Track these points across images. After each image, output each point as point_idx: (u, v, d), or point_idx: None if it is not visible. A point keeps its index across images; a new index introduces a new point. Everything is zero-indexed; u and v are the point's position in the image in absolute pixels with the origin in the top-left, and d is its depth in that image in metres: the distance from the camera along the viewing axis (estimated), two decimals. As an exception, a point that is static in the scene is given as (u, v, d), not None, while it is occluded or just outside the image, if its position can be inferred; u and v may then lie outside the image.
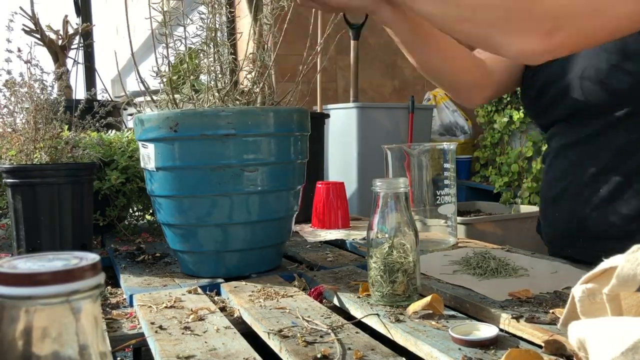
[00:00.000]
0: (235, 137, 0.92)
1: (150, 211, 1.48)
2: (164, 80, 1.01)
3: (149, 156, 0.97)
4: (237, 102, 1.04)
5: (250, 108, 0.96)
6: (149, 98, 1.03)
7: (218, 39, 1.02)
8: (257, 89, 1.05)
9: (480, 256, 0.95)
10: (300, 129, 1.01)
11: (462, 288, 0.84)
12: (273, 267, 1.03)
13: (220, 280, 0.96)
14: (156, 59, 1.01)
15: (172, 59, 1.02)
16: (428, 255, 1.07)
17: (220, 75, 1.03)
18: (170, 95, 1.01)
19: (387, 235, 0.79)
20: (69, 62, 1.86)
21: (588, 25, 0.81)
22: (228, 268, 0.98)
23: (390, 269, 0.78)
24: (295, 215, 1.06)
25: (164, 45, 1.00)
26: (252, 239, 0.98)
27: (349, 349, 0.63)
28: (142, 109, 1.04)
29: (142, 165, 1.01)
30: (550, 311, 0.72)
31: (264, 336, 0.71)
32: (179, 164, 0.94)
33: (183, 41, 1.03)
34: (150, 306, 0.82)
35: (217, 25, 1.02)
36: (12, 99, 1.13)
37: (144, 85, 1.02)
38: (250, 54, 1.06)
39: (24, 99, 1.13)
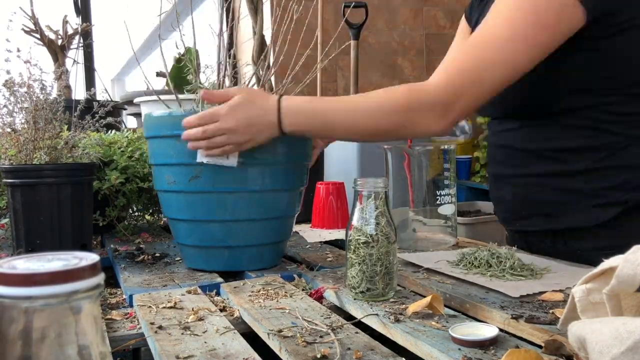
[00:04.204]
0: None
1: (150, 211, 1.48)
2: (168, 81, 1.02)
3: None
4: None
5: None
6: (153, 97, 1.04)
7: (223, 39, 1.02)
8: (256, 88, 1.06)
9: (493, 255, 0.95)
10: None
11: (463, 287, 0.84)
12: (274, 264, 1.06)
13: (220, 280, 0.96)
14: (163, 59, 1.01)
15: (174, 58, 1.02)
16: (434, 252, 1.07)
17: (221, 76, 1.03)
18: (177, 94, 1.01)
19: (367, 234, 0.80)
20: (69, 62, 1.86)
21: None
22: (231, 263, 1.01)
23: (369, 266, 0.80)
24: (296, 215, 1.09)
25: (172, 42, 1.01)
26: (256, 236, 1.01)
27: (349, 349, 0.63)
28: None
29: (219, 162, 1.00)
30: (550, 311, 0.72)
31: (264, 336, 0.71)
32: (187, 160, 0.97)
33: (188, 40, 1.03)
34: (150, 306, 0.82)
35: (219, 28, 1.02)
36: (12, 99, 1.13)
37: (148, 85, 1.02)
38: (251, 57, 1.06)
39: (23, 99, 1.13)
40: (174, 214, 1.03)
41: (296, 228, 1.41)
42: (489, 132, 1.19)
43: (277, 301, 0.82)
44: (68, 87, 1.79)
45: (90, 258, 0.33)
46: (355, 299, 0.81)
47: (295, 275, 0.99)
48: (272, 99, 0.95)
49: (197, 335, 0.70)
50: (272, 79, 1.15)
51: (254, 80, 1.10)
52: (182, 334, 0.70)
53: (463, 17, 1.30)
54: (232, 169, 0.96)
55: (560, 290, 0.80)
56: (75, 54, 1.88)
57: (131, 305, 0.87)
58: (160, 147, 1.01)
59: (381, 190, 0.81)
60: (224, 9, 1.05)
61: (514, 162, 1.09)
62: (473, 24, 1.23)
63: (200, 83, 1.05)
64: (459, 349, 0.62)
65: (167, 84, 1.03)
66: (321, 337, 0.67)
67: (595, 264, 0.56)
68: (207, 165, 0.95)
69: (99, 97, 1.38)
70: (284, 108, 0.94)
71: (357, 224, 0.81)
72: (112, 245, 1.25)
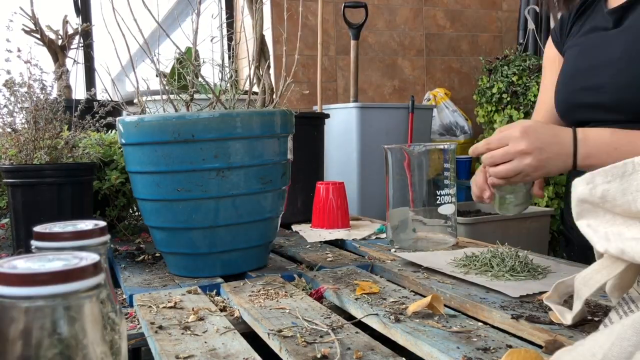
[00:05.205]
0: (217, 140, 0.91)
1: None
2: (165, 81, 1.01)
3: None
4: (237, 104, 1.04)
5: (231, 112, 0.95)
6: (143, 98, 1.03)
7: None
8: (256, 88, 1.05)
9: (497, 257, 0.94)
10: (284, 130, 1.00)
11: (463, 288, 0.84)
12: (261, 266, 1.03)
13: (220, 280, 0.96)
14: (157, 60, 1.01)
15: (173, 58, 1.02)
16: (434, 252, 1.07)
17: (220, 76, 1.03)
18: (173, 96, 1.00)
19: None
20: (69, 62, 1.86)
21: None
22: (215, 269, 0.98)
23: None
24: (280, 215, 1.05)
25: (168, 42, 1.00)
26: (237, 241, 0.98)
27: (349, 349, 0.63)
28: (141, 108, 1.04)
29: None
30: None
31: (264, 336, 0.71)
32: (163, 168, 0.93)
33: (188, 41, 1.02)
34: (150, 306, 0.82)
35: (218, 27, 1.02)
36: (12, 98, 1.13)
37: (146, 85, 1.02)
38: (251, 56, 1.06)
39: (23, 98, 1.13)
40: (153, 222, 0.99)
41: (296, 228, 1.41)
42: None
43: (277, 301, 0.82)
44: (68, 87, 1.79)
45: (90, 258, 0.33)
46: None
47: (295, 275, 0.99)
48: (565, 129, 0.89)
49: (197, 335, 0.70)
50: (272, 79, 1.15)
51: (254, 80, 1.10)
52: (182, 333, 0.70)
53: (549, 44, 1.23)
54: (210, 174, 0.92)
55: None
56: (75, 54, 1.88)
57: (131, 305, 0.87)
58: (137, 154, 0.96)
59: None
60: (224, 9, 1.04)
61: None
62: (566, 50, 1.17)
63: (199, 83, 1.05)
64: (458, 348, 0.62)
65: (170, 84, 1.03)
66: (321, 337, 0.67)
67: None
68: (187, 172, 0.92)
69: (99, 97, 1.38)
70: (580, 139, 0.87)
71: None
72: (112, 245, 1.25)
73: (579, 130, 0.88)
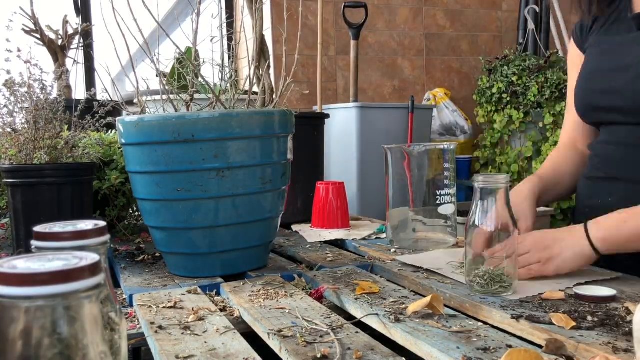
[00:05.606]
0: (217, 140, 0.91)
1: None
2: (165, 81, 1.01)
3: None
4: (238, 104, 1.04)
5: (231, 112, 0.95)
6: (144, 98, 1.03)
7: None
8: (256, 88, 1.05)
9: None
10: (284, 130, 1.00)
11: (463, 287, 0.84)
12: (261, 266, 1.03)
13: (220, 280, 0.96)
14: (157, 60, 1.01)
15: (174, 58, 1.02)
16: (434, 252, 1.07)
17: (220, 76, 1.03)
18: (172, 96, 1.00)
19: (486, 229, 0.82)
20: (69, 62, 1.86)
21: None
22: (215, 268, 0.98)
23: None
24: (280, 215, 1.05)
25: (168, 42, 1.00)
26: (237, 241, 0.97)
27: (349, 349, 0.63)
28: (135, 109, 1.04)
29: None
30: (551, 311, 0.72)
31: (264, 336, 0.71)
32: (163, 168, 0.93)
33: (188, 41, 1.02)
34: (150, 306, 0.82)
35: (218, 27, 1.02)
36: (12, 98, 1.13)
37: (146, 85, 1.02)
38: (251, 56, 1.06)
39: (23, 98, 1.13)
40: (153, 222, 0.99)
41: (296, 228, 1.41)
42: (609, 137, 1.10)
43: (277, 301, 0.82)
44: (68, 87, 1.79)
45: (90, 258, 0.33)
46: (474, 291, 0.82)
47: (295, 275, 0.99)
48: (576, 227, 0.91)
49: (197, 335, 0.70)
50: (272, 79, 1.15)
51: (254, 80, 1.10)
52: (182, 333, 0.70)
53: (571, 44, 1.22)
54: (210, 174, 0.91)
55: (560, 290, 0.80)
56: (75, 54, 1.88)
57: (131, 305, 0.87)
58: (137, 154, 0.96)
59: (502, 187, 0.81)
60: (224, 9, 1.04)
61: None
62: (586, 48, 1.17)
63: (199, 83, 1.05)
64: (458, 348, 0.62)
65: (170, 84, 1.03)
66: (321, 337, 0.67)
67: None
68: (187, 172, 0.92)
69: (99, 97, 1.38)
70: (590, 222, 0.89)
71: (476, 219, 0.83)
72: (112, 245, 1.25)
73: (589, 223, 0.90)
